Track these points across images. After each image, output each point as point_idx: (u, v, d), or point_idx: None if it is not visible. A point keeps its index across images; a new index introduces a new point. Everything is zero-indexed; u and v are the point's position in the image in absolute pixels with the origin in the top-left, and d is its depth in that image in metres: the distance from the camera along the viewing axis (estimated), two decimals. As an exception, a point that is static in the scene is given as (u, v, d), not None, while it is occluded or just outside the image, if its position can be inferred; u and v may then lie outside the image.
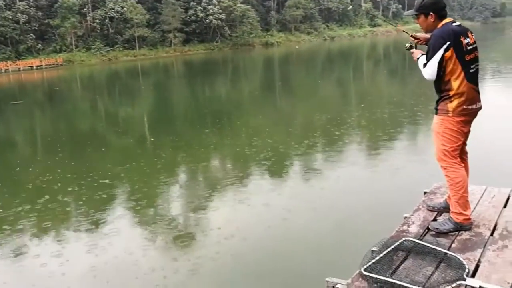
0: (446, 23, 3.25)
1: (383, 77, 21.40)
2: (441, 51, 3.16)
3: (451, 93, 3.23)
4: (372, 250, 3.25)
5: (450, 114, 3.27)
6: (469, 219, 3.36)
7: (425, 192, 4.19)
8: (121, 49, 49.68)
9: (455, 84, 3.21)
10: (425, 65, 3.24)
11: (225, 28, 54.50)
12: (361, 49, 44.53)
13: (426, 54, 3.24)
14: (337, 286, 2.96)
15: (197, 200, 6.86)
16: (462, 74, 3.19)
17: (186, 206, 6.70)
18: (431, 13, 3.27)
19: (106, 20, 49.57)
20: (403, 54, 24.67)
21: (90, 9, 49.91)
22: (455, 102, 3.23)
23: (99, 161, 9.56)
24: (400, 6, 71.50)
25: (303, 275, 4.39)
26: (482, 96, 3.34)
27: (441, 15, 3.28)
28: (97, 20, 49.42)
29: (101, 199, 7.04)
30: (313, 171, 7.68)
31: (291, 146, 9.42)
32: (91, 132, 13.60)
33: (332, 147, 9.08)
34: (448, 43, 3.14)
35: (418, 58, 3.36)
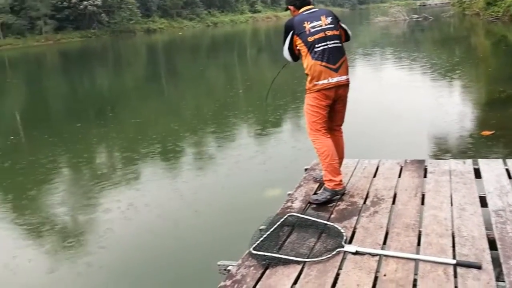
0: (299, 13, 3.70)
1: (266, 62, 22.01)
2: (288, 39, 3.65)
3: (305, 72, 3.66)
4: (260, 229, 3.40)
5: (307, 92, 3.69)
6: (340, 184, 3.66)
7: (306, 169, 4.46)
8: (-19, 38, 44.71)
9: (305, 64, 3.66)
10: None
11: (102, 14, 51.76)
12: (244, 35, 45.24)
13: None
14: (228, 268, 3.05)
15: (81, 198, 6.54)
16: (309, 54, 3.59)
17: (70, 206, 6.36)
18: (289, 6, 3.81)
19: (-40, 6, 44.22)
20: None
21: None
22: (308, 79, 3.66)
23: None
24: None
25: (196, 263, 4.39)
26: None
27: (299, 6, 3.73)
28: (-51, 6, 43.88)
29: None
30: (201, 159, 7.70)
31: (178, 136, 9.35)
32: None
33: (216, 133, 9.15)
34: (291, 32, 3.62)
35: None
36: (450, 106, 9.23)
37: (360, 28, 34.55)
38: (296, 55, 3.71)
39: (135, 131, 10.06)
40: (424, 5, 71.22)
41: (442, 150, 6.69)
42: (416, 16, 42.02)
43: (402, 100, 10.14)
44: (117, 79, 20.97)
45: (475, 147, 6.72)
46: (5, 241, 5.37)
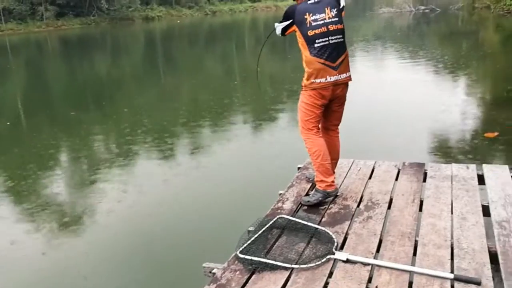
0: (303, 1, 3.42)
1: (264, 54, 21.76)
2: (286, 23, 3.44)
3: (304, 67, 3.44)
4: (249, 231, 3.25)
5: (303, 89, 3.49)
6: (332, 185, 3.50)
7: (298, 168, 4.29)
8: (-18, 23, 44.20)
9: (303, 58, 3.44)
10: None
11: (102, 1, 51.17)
12: (242, 24, 44.82)
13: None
14: (214, 270, 2.90)
15: (73, 186, 6.45)
16: (307, 49, 3.39)
17: (63, 193, 6.23)
18: None
19: (-40, -10, 43.62)
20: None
21: None
22: (305, 76, 3.45)
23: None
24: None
25: (180, 264, 4.25)
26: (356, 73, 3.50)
27: None
28: None
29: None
30: (190, 154, 7.46)
31: (169, 127, 9.16)
32: None
33: (211, 125, 8.97)
34: (291, 20, 3.42)
35: None
36: (454, 105, 8.90)
37: (362, 20, 34.14)
38: (285, 34, 3.54)
39: (128, 120, 9.88)
40: (432, -4, 70.09)
41: (443, 153, 6.43)
42: (422, 7, 41.11)
43: (403, 98, 9.88)
44: (114, 67, 20.78)
45: (479, 150, 6.48)
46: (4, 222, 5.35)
